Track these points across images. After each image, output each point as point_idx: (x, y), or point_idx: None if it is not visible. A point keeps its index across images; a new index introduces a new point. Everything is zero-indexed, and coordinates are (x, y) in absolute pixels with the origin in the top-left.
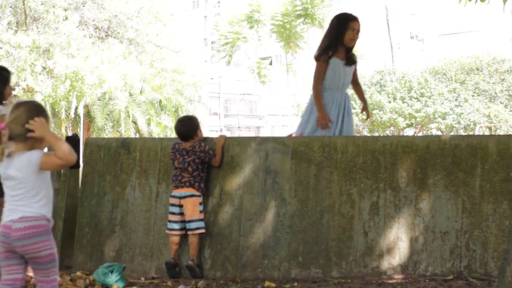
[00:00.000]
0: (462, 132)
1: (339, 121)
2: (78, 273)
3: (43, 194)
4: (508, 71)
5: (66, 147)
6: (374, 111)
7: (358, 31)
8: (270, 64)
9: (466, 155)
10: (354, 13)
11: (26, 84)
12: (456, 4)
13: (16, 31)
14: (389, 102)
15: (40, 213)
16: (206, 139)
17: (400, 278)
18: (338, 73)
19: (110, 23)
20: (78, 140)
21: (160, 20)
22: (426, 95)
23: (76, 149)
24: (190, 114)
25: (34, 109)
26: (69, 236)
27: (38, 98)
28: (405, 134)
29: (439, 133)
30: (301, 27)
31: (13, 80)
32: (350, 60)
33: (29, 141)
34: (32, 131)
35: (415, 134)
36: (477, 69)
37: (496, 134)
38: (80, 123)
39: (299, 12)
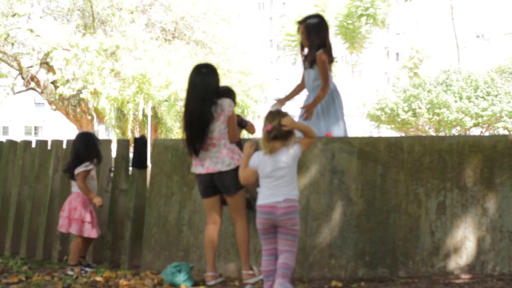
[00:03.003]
0: None
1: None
2: (147, 273)
3: (295, 180)
4: None
5: (311, 128)
6: (442, 110)
7: (301, 32)
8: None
9: None
10: (418, 14)
11: (94, 88)
12: None
13: (84, 34)
14: (456, 101)
15: (296, 196)
16: None
17: (468, 278)
18: (305, 76)
19: (177, 24)
20: (146, 141)
21: (227, 22)
22: (492, 94)
23: (144, 151)
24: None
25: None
26: (137, 236)
27: (104, 101)
28: (471, 134)
29: (506, 132)
30: (366, 28)
31: (80, 83)
32: (309, 62)
33: (286, 138)
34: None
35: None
36: None
37: None
38: (147, 124)
39: (360, 12)
